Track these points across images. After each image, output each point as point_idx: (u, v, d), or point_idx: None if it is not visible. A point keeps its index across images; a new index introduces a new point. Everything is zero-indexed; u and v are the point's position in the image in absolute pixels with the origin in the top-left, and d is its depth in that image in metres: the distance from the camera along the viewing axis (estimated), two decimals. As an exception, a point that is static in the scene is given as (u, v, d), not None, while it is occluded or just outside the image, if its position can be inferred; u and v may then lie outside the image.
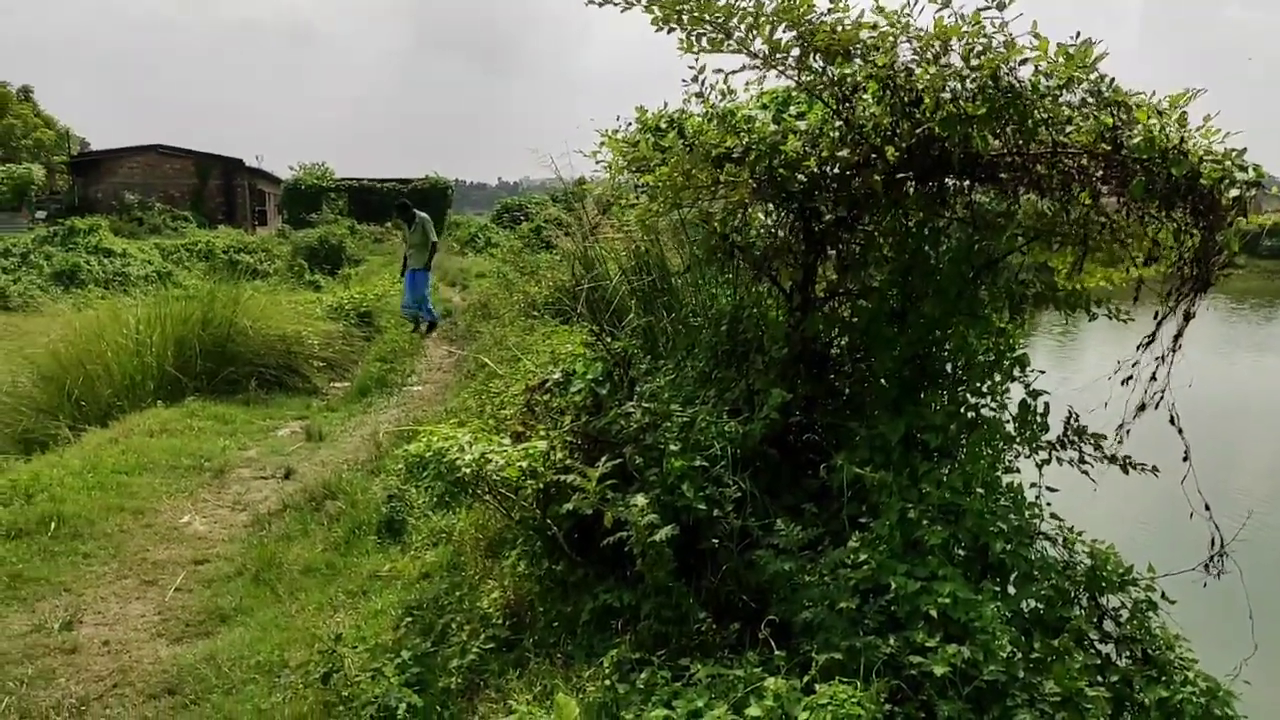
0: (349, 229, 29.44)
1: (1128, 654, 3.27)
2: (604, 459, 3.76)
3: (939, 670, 2.83)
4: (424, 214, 14.64)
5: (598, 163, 4.95)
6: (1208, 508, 3.41)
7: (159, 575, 5.60)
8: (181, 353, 10.30)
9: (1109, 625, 3.38)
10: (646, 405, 4.11)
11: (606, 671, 3.28)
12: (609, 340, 4.90)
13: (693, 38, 3.88)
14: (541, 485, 4.03)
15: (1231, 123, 3.43)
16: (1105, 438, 4.00)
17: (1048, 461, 3.96)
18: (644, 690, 3.11)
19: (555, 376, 5.06)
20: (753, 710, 2.75)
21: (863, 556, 3.32)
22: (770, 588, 3.47)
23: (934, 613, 3.05)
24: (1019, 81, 3.56)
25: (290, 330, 11.62)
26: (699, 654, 3.29)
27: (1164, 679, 3.05)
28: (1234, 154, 3.34)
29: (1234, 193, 3.26)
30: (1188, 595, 3.44)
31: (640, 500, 3.55)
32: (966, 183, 4.25)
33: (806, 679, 2.82)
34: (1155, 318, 3.62)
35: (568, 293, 7.08)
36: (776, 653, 3.08)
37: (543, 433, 4.42)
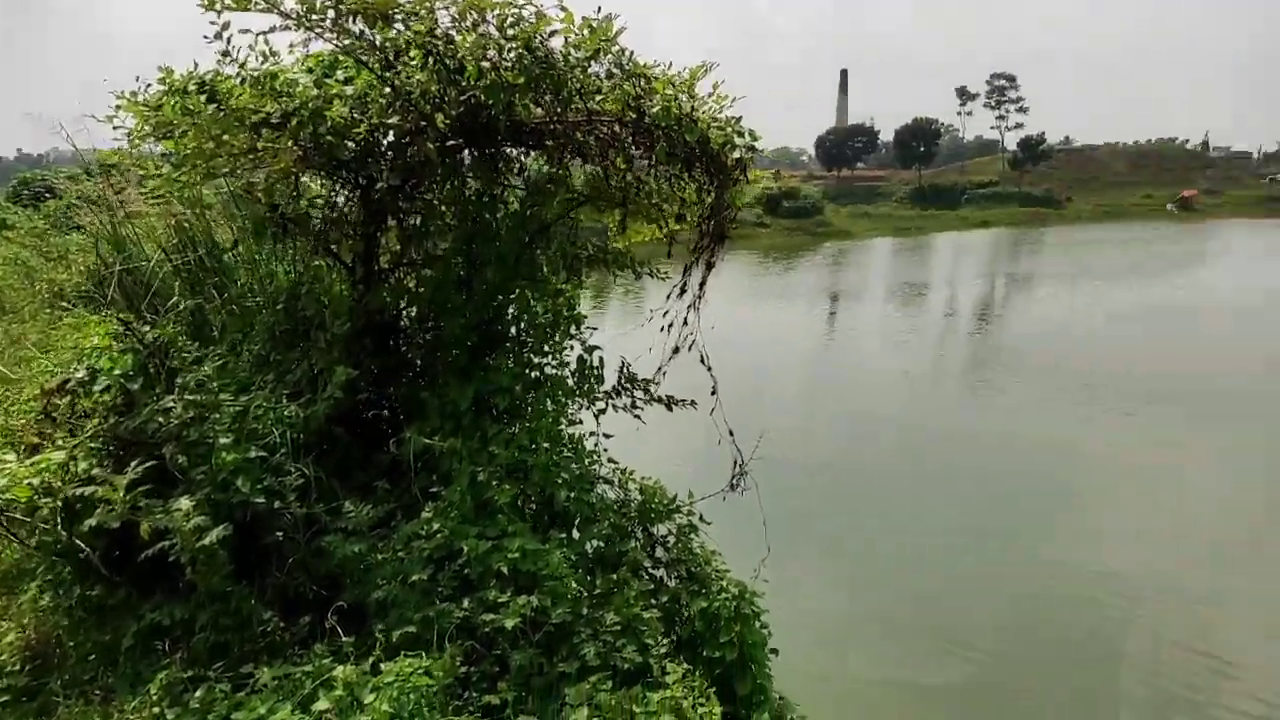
0: None
1: (676, 575, 3.66)
2: (135, 463, 3.29)
3: (510, 623, 2.92)
4: None
5: (115, 128, 4.28)
6: (732, 434, 3.93)
7: None
8: None
9: (660, 552, 3.76)
10: (190, 397, 3.68)
11: (154, 698, 2.89)
12: (143, 329, 4.29)
13: (211, -7, 3.49)
14: (61, 502, 3.43)
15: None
16: (657, 383, 4.42)
17: (604, 410, 4.28)
18: (199, 709, 2.80)
19: (79, 375, 4.31)
20: (320, 704, 2.60)
21: (435, 526, 3.31)
22: (342, 573, 3.31)
23: (505, 569, 3.13)
24: (552, 52, 3.73)
25: None
26: (266, 657, 3.05)
27: (704, 591, 3.46)
28: (735, 121, 3.84)
29: (736, 155, 3.75)
30: (720, 515, 3.93)
31: (185, 503, 3.18)
32: (521, 150, 4.38)
33: (373, 659, 2.73)
34: (684, 270, 4.05)
35: (97, 278, 6.10)
36: (345, 640, 2.95)
37: (61, 442, 3.75)
